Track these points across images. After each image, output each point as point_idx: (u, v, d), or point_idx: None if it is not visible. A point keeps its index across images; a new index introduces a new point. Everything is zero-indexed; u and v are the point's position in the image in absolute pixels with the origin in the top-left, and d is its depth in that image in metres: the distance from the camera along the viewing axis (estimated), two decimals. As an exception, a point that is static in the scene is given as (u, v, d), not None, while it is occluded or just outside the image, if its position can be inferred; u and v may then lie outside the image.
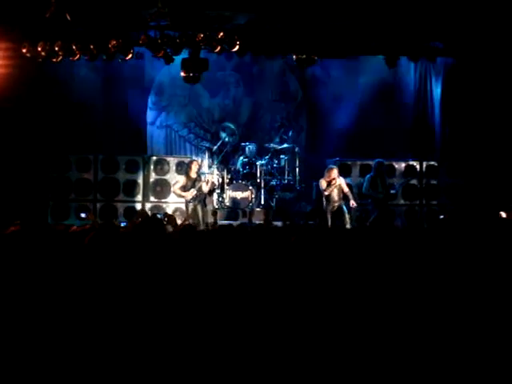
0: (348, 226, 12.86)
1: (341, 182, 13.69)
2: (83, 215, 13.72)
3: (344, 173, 14.47)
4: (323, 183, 13.60)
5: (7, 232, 6.47)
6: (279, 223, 12.81)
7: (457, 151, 15.50)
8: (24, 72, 13.80)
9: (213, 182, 14.27)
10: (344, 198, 13.70)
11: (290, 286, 5.05)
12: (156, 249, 5.15)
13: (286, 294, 4.89)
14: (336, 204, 13.50)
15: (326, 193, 13.53)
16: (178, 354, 4.34)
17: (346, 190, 13.73)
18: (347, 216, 13.38)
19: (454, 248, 6.07)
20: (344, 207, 13.55)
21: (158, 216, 6.32)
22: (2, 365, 4.17)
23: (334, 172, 13.63)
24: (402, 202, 15.21)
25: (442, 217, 12.34)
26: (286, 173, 15.72)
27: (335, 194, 13.57)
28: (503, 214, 12.09)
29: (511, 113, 14.40)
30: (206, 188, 13.91)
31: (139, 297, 4.60)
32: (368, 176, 14.30)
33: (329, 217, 13.22)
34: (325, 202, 13.63)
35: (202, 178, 13.95)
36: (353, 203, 13.67)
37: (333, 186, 13.49)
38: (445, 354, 4.52)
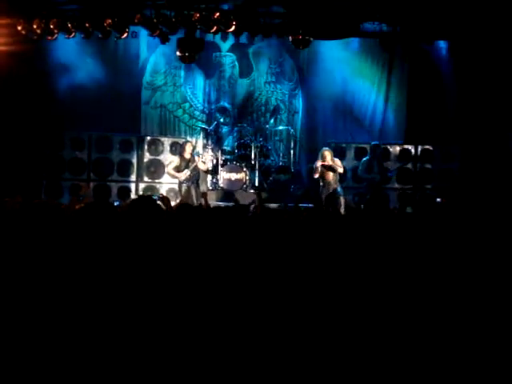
0: (342, 209, 12.75)
1: (334, 164, 13.49)
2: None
3: (339, 156, 14.39)
4: (316, 166, 13.47)
5: (8, 206, 6.44)
6: (273, 205, 12.74)
7: (452, 135, 15.43)
8: (20, 50, 13.72)
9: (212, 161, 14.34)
10: (340, 181, 13.63)
11: (283, 269, 5.02)
12: (151, 227, 5.13)
13: (279, 277, 4.87)
14: (331, 187, 13.35)
15: (315, 176, 13.40)
16: (177, 337, 4.32)
17: (339, 169, 13.55)
18: (342, 200, 13.22)
19: (452, 232, 6.04)
20: (339, 190, 13.42)
21: (154, 197, 6.26)
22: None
23: (325, 154, 13.48)
24: (396, 185, 15.16)
25: (439, 200, 12.27)
26: (281, 155, 15.68)
27: (331, 178, 13.43)
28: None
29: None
30: (202, 167, 13.89)
31: (132, 277, 4.57)
32: (364, 159, 14.27)
33: (323, 200, 13.10)
34: (321, 186, 13.50)
35: (197, 157, 13.90)
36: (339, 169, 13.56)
37: (320, 167, 13.33)
38: (441, 345, 4.50)
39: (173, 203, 10.67)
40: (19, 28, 12.84)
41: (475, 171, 14.63)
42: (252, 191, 14.58)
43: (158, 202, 7.18)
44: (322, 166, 13.35)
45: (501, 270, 5.01)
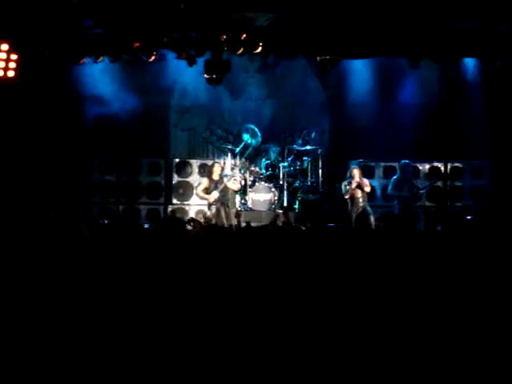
0: (373, 227, 12.70)
1: (362, 182, 13.59)
2: (106, 222, 13.75)
3: (367, 175, 14.39)
4: (343, 187, 13.64)
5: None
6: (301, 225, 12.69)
7: (483, 152, 15.33)
8: (49, 74, 13.87)
9: (240, 181, 14.31)
10: (368, 199, 13.68)
11: (313, 284, 5.00)
12: (178, 248, 5.13)
13: (309, 292, 4.85)
14: (360, 205, 13.40)
15: (346, 197, 13.54)
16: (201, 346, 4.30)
17: (365, 188, 13.67)
18: (372, 217, 13.23)
19: (479, 249, 5.99)
20: (368, 209, 13.45)
21: (184, 220, 6.30)
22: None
23: (354, 172, 13.59)
24: (426, 203, 15.10)
25: (468, 217, 12.18)
26: (309, 175, 15.63)
27: (359, 196, 13.51)
28: None
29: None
30: (233, 186, 13.90)
31: (161, 293, 4.57)
32: (394, 177, 14.25)
33: (353, 219, 13.11)
34: (349, 204, 13.60)
35: (225, 179, 13.92)
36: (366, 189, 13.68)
37: (351, 188, 13.46)
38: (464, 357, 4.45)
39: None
40: (47, 53, 12.94)
41: (506, 187, 14.52)
42: (281, 211, 14.51)
43: (190, 223, 7.20)
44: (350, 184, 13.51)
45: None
